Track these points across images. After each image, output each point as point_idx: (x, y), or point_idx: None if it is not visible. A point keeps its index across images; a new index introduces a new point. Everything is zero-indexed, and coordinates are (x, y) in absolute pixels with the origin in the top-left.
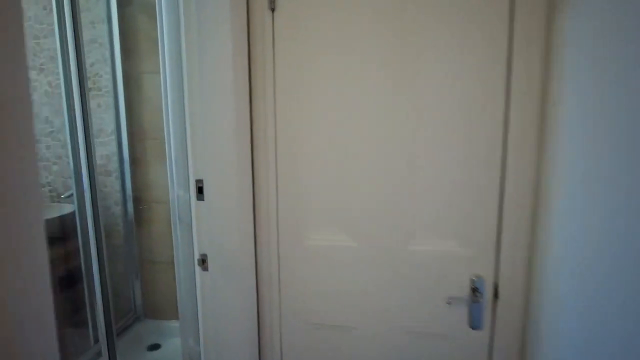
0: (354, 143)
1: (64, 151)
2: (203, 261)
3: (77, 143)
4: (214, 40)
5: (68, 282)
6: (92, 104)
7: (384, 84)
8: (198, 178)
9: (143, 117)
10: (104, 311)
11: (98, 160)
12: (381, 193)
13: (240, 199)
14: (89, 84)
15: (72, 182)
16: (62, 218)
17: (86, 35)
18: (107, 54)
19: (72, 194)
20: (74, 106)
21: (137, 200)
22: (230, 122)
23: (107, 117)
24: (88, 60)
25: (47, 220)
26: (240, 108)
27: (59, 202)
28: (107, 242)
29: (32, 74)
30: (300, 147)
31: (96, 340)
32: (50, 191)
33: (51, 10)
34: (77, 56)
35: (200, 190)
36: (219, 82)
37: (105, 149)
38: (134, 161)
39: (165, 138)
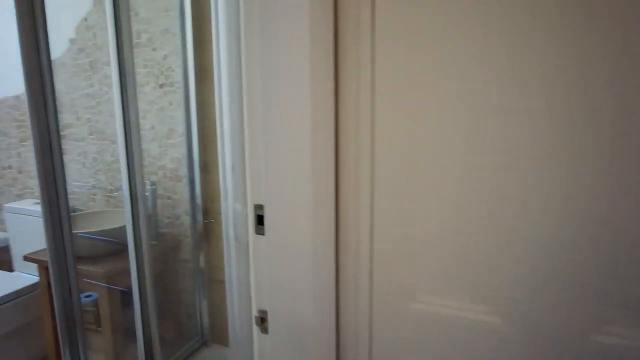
0: (501, 165)
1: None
2: (262, 320)
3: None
4: (285, 30)
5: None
6: (164, 101)
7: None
8: (258, 203)
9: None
10: (144, 339)
11: (168, 164)
12: (546, 244)
13: (318, 237)
14: (162, 79)
15: (124, 187)
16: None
17: (160, 24)
18: (180, 45)
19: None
20: (126, 105)
21: (206, 212)
22: (305, 130)
23: (178, 115)
24: (161, 52)
25: (115, 229)
26: (320, 114)
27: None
28: (174, 257)
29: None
30: (411, 168)
31: None
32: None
33: None
34: (117, 45)
35: (260, 220)
36: (290, 73)
37: (176, 151)
38: (204, 167)
39: (218, 139)
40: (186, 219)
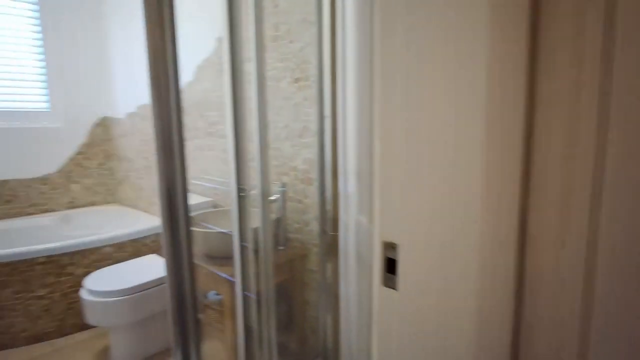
0: None
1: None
2: None
3: (263, 143)
4: None
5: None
6: (299, 96)
7: None
8: (388, 240)
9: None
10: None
11: (300, 165)
12: None
13: (489, 310)
14: (297, 73)
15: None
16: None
17: (298, 13)
18: (316, 34)
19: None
20: (260, 102)
21: (335, 221)
22: (474, 141)
23: (312, 112)
24: (298, 44)
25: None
26: (501, 122)
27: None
28: (301, 266)
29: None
30: None
31: None
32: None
33: None
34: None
35: (390, 267)
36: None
37: (309, 152)
38: (335, 171)
39: (339, 138)
40: (315, 226)
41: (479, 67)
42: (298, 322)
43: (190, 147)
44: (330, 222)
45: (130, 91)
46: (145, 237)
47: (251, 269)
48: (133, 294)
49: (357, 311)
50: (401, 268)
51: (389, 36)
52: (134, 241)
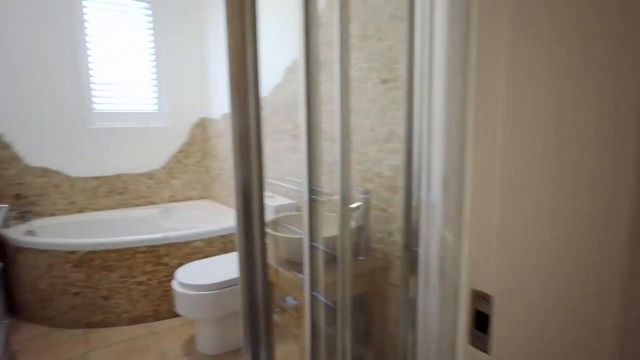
0: None
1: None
2: None
3: (347, 147)
4: None
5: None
6: (386, 98)
7: None
8: (479, 289)
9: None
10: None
11: (386, 172)
12: None
13: None
14: (385, 74)
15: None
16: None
17: (387, 9)
18: (407, 31)
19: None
20: (344, 104)
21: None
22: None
23: (400, 116)
24: (386, 43)
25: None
26: None
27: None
28: (382, 279)
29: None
30: None
31: None
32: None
33: None
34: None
35: (480, 323)
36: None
37: (396, 157)
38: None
39: (424, 143)
40: (399, 238)
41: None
42: (377, 337)
43: (277, 148)
44: (415, 236)
45: (226, 93)
46: (232, 234)
47: (321, 275)
48: (218, 289)
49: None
50: (496, 328)
51: (490, 35)
52: (223, 237)
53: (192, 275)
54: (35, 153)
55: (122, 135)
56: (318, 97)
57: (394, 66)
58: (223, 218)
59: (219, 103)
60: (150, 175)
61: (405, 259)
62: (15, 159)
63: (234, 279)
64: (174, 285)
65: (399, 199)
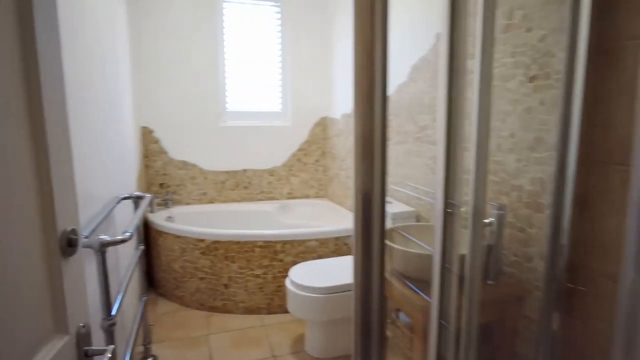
0: None
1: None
2: None
3: (482, 155)
4: None
5: None
6: (533, 99)
7: None
8: None
9: (611, 122)
10: None
11: (527, 185)
12: None
13: None
14: (534, 69)
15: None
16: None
17: None
18: (569, 15)
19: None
20: (482, 106)
21: (573, 270)
22: None
23: (551, 120)
24: (538, 32)
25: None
26: None
27: None
28: (514, 309)
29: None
30: None
31: None
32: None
33: None
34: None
35: None
36: None
37: (541, 169)
38: (583, 200)
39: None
40: (540, 265)
41: None
42: None
43: (398, 151)
44: (564, 267)
45: (347, 93)
46: (346, 237)
47: (452, 299)
48: (329, 293)
49: None
50: None
51: None
52: (336, 239)
53: (305, 276)
54: (177, 147)
55: (249, 133)
56: (461, 100)
57: (546, 60)
58: (338, 219)
59: (340, 103)
60: (271, 171)
61: (549, 291)
62: (162, 152)
63: (347, 285)
64: (287, 283)
65: (543, 219)
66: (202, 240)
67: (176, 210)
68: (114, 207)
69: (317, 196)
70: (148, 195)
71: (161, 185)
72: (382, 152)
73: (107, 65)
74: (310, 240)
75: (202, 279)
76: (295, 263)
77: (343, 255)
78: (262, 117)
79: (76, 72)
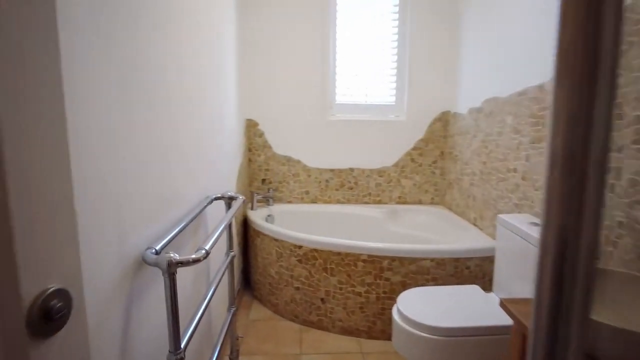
0: None
1: None
2: None
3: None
4: None
5: None
6: None
7: None
8: None
9: None
10: None
11: None
12: None
13: None
14: None
15: None
16: None
17: None
18: None
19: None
20: None
21: None
22: None
23: None
24: None
25: None
26: None
27: None
28: None
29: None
30: None
31: None
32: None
33: None
34: None
35: None
36: None
37: None
38: None
39: None
40: None
41: None
42: None
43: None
44: None
45: (477, 82)
46: (469, 259)
47: None
48: (449, 336)
49: None
50: None
51: None
52: (456, 260)
53: (418, 307)
54: (281, 142)
55: (358, 127)
56: None
57: None
58: (456, 233)
59: (467, 95)
60: (381, 172)
61: None
62: (266, 146)
63: (474, 328)
64: (394, 313)
65: None
66: (300, 247)
67: (277, 209)
68: (202, 209)
69: (431, 203)
70: (241, 197)
71: (263, 181)
72: (601, 169)
73: (214, 58)
74: (424, 259)
75: (297, 289)
76: (403, 285)
77: (464, 282)
78: (373, 111)
79: (180, 71)
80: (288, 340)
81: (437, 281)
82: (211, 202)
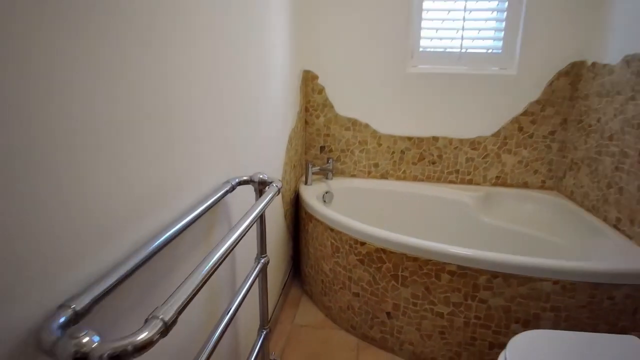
0: None
1: None
2: None
3: None
4: None
5: None
6: None
7: None
8: None
9: None
10: None
11: None
12: None
13: None
14: None
15: None
16: None
17: None
18: None
19: None
20: None
21: None
22: None
23: None
24: None
25: None
26: None
27: None
28: None
29: None
30: None
31: None
32: None
33: None
34: None
35: None
36: None
37: None
38: None
39: None
40: None
41: None
42: None
43: None
44: None
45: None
46: (616, 286)
47: None
48: None
49: None
50: None
51: None
52: (595, 286)
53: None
54: (346, 100)
55: (448, 84)
56: None
57: None
58: (582, 236)
59: (623, 36)
60: (474, 143)
61: None
62: (327, 105)
63: None
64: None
65: None
66: (362, 244)
67: (337, 184)
68: (216, 199)
69: (542, 187)
70: (276, 183)
71: (322, 149)
72: None
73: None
74: (543, 279)
75: (356, 295)
76: (507, 311)
77: (602, 318)
78: (470, 61)
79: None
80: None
81: (558, 312)
82: (232, 188)
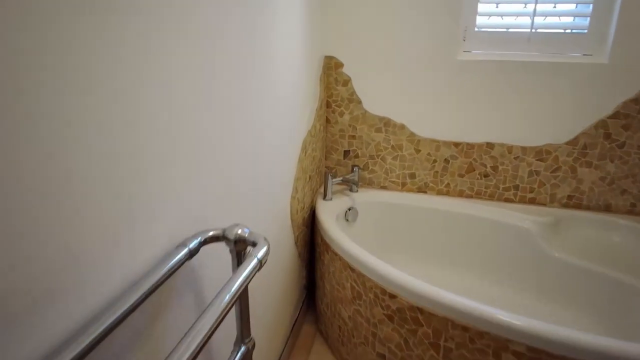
0: None
1: None
2: None
3: None
4: None
5: None
6: None
7: None
8: None
9: None
10: None
11: None
12: None
13: None
14: None
15: None
16: None
17: None
18: None
19: None
20: None
21: None
22: None
23: None
24: None
25: None
26: None
27: None
28: None
29: None
30: None
31: None
32: None
33: None
34: None
35: None
36: None
37: None
38: None
39: None
40: None
41: None
42: None
43: None
44: None
45: None
46: None
47: None
48: None
49: None
50: None
51: None
52: None
53: None
54: (377, 95)
55: (510, 75)
56: None
57: None
58: None
59: None
60: (541, 152)
61: None
62: (353, 100)
63: None
64: None
65: None
66: (393, 297)
67: (363, 198)
68: (162, 277)
69: (631, 212)
70: (264, 248)
71: (345, 154)
72: None
73: None
74: None
75: (382, 356)
76: None
77: None
78: (542, 44)
79: None
80: None
81: None
82: (191, 254)
